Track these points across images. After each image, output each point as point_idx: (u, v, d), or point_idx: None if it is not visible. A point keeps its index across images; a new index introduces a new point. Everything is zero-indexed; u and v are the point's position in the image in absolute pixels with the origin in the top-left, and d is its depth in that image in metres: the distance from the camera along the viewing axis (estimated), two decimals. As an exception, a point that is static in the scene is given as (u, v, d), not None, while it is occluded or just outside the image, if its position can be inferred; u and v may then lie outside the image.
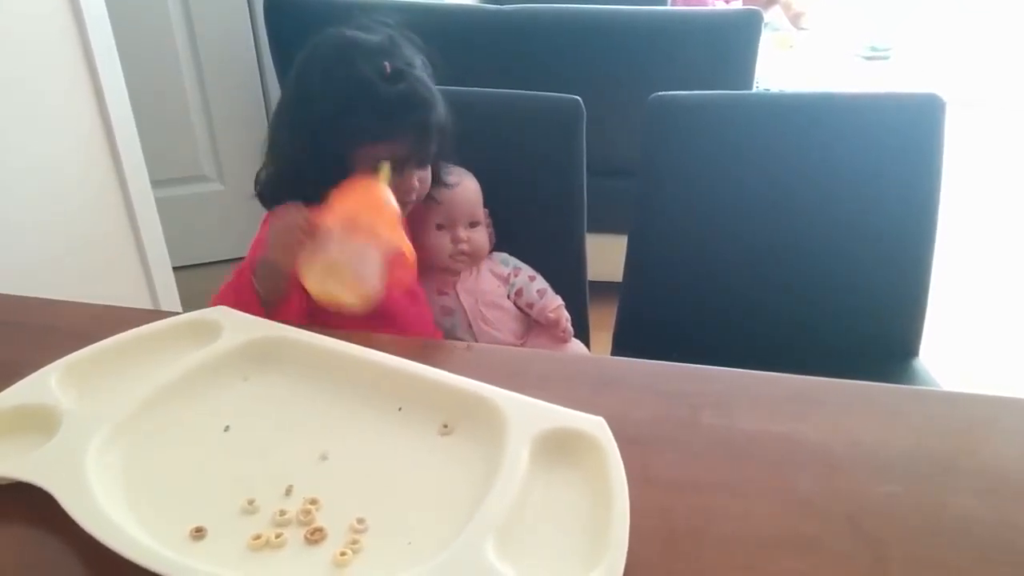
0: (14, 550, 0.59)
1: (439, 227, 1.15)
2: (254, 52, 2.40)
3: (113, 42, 1.57)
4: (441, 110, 1.00)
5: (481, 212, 1.17)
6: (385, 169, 0.93)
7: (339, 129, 0.96)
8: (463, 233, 1.15)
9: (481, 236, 1.17)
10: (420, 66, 1.00)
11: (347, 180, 0.92)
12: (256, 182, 1.06)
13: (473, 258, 1.17)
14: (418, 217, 1.12)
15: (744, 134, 1.22)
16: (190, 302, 1.86)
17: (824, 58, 4.44)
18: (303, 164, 0.99)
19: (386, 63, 0.95)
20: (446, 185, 1.12)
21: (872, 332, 1.29)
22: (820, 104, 1.27)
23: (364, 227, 0.86)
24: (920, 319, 1.29)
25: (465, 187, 1.15)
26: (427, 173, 1.05)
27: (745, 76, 2.00)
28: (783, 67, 4.05)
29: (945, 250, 1.30)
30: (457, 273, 1.18)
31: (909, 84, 4.25)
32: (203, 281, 2.23)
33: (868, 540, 0.59)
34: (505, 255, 1.22)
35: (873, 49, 4.77)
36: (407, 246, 0.89)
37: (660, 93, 1.20)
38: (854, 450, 0.68)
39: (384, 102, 0.95)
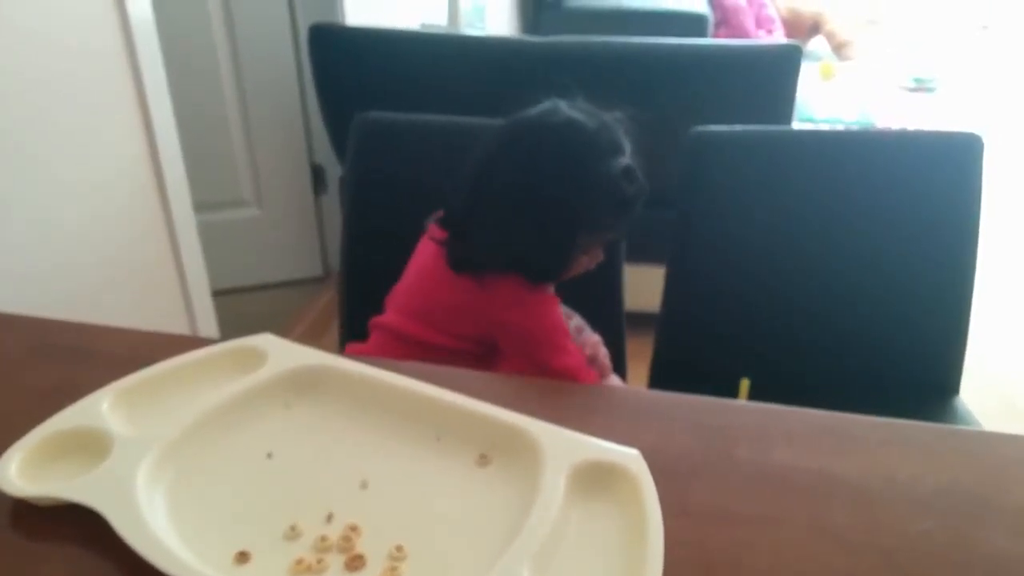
0: (67, 569, 0.61)
1: None
2: (296, 79, 2.45)
3: (162, 66, 1.61)
4: None
5: None
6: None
7: (578, 223, 1.01)
8: None
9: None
10: (630, 151, 1.04)
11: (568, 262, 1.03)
12: (454, 246, 1.05)
13: None
14: None
15: (782, 170, 1.23)
16: (227, 326, 1.90)
17: (867, 89, 4.42)
18: (533, 244, 1.01)
19: (623, 161, 1.01)
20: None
21: (912, 370, 1.28)
22: (859, 141, 1.28)
23: None
24: (960, 357, 1.28)
25: None
26: None
27: (784, 110, 1.99)
28: (825, 97, 4.05)
29: (986, 287, 1.29)
30: None
31: (954, 117, 4.22)
32: (240, 305, 2.29)
33: (902, 576, 0.59)
34: None
35: (917, 81, 4.74)
36: None
37: (699, 128, 1.22)
38: (889, 486, 0.69)
39: (625, 202, 1.01)
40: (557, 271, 1.05)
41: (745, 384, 1.16)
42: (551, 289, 1.08)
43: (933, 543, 0.63)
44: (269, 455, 0.71)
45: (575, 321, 1.20)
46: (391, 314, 1.11)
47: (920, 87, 4.70)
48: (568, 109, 1.02)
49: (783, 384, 1.04)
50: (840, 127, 3.60)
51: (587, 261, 1.08)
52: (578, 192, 0.99)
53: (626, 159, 1.01)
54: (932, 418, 0.98)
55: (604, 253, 1.11)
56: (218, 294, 2.00)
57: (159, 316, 1.69)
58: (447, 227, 1.06)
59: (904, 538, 0.63)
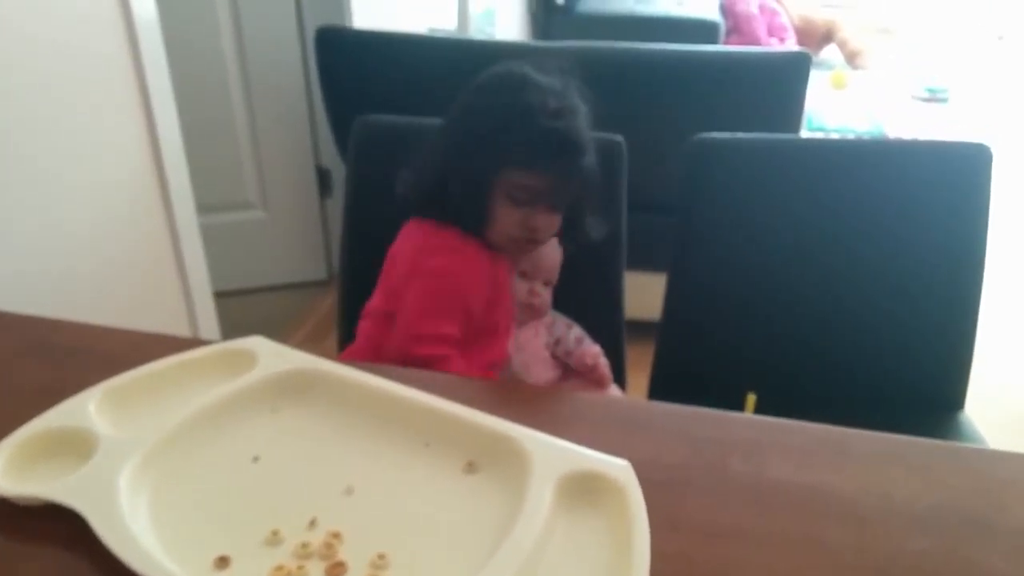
0: (49, 569, 0.60)
1: (522, 274, 1.15)
2: (303, 82, 2.45)
3: (167, 69, 1.61)
4: (590, 161, 1.03)
5: (556, 276, 1.18)
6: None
7: (488, 147, 1.00)
8: (539, 288, 1.15)
9: (549, 297, 1.18)
10: (583, 115, 1.03)
11: (486, 203, 1.01)
12: (399, 182, 1.09)
13: (536, 313, 1.17)
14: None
15: (786, 178, 1.22)
16: (229, 328, 1.90)
17: (879, 98, 4.40)
18: (447, 176, 1.03)
19: (551, 100, 0.99)
20: (588, 236, 1.14)
21: (916, 384, 1.27)
22: (864, 151, 1.26)
23: None
24: (966, 372, 1.26)
25: (554, 247, 1.16)
26: (558, 218, 1.06)
27: (792, 119, 1.98)
28: (837, 106, 4.03)
29: (993, 302, 1.27)
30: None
31: (967, 128, 4.19)
32: (242, 308, 2.29)
33: (896, 597, 0.58)
34: None
35: (930, 91, 4.71)
36: None
37: (701, 135, 1.21)
38: (884, 504, 0.67)
39: (538, 133, 0.98)
40: (471, 212, 1.03)
41: (751, 399, 1.15)
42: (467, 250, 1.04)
43: (928, 562, 0.61)
44: (255, 459, 0.70)
45: (575, 331, 1.19)
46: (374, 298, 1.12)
47: (933, 97, 4.68)
48: (533, 71, 1.03)
49: (785, 396, 1.03)
50: (851, 136, 3.58)
51: (512, 226, 1.03)
52: (494, 118, 1.00)
53: (564, 107, 1.00)
54: (936, 433, 0.97)
55: (558, 223, 1.07)
56: (222, 296, 2.00)
57: (161, 318, 1.69)
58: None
59: (898, 557, 0.62)
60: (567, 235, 1.11)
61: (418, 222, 1.08)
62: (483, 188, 1.02)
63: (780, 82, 1.98)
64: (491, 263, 1.06)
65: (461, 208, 1.03)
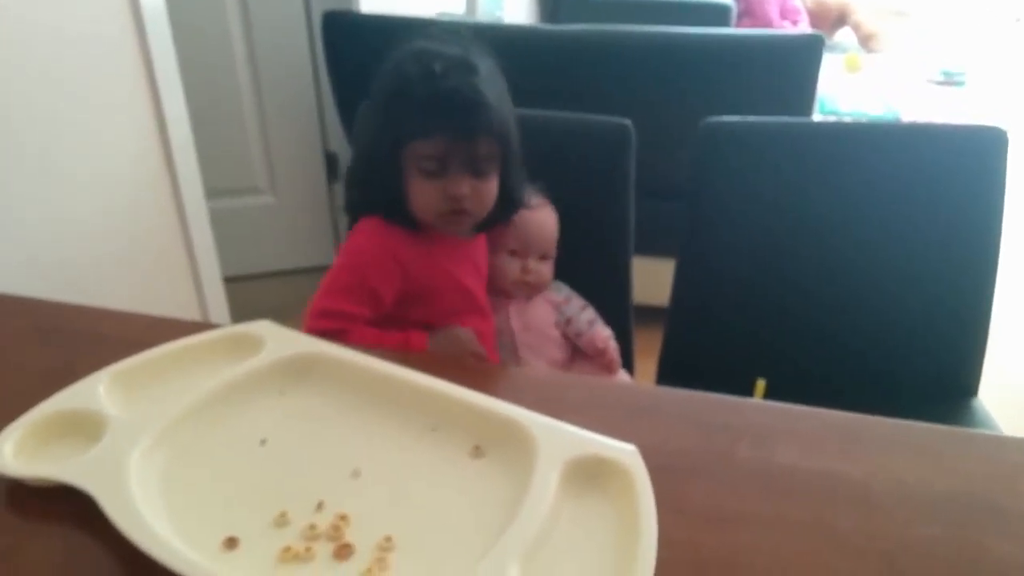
0: (57, 549, 0.60)
1: (512, 252, 1.14)
2: (311, 67, 2.45)
3: (173, 54, 1.61)
4: (495, 117, 0.97)
5: (554, 246, 1.16)
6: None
7: (385, 126, 0.99)
8: (532, 264, 1.14)
9: (548, 270, 1.17)
10: (485, 75, 0.98)
11: (400, 183, 1.00)
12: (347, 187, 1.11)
13: (534, 289, 1.17)
14: (495, 238, 1.13)
15: (798, 162, 1.21)
16: (238, 313, 1.91)
17: (894, 82, 4.35)
18: (365, 165, 1.05)
19: (437, 63, 0.95)
20: (525, 207, 1.11)
21: (929, 369, 1.26)
22: (878, 134, 1.25)
23: None
24: (980, 357, 1.25)
25: (545, 219, 1.15)
26: (486, 185, 1.01)
27: (805, 102, 1.97)
28: (850, 90, 3.98)
29: (1008, 287, 1.26)
30: (512, 296, 1.18)
31: (983, 112, 4.13)
32: (252, 293, 2.29)
33: (904, 583, 0.57)
34: (558, 283, 1.21)
35: (946, 74, 4.64)
36: None
37: (711, 119, 1.20)
38: (895, 489, 0.67)
39: (427, 96, 0.95)
40: (387, 196, 1.01)
41: (761, 385, 1.14)
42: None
43: (939, 549, 0.61)
44: (263, 442, 0.71)
45: (588, 313, 1.18)
46: None
47: (949, 80, 4.61)
48: (429, 44, 1.00)
49: (795, 382, 1.02)
50: (864, 121, 3.55)
51: (433, 200, 0.99)
52: (385, 94, 1.00)
53: (454, 67, 0.96)
54: (949, 419, 0.96)
55: (494, 191, 1.03)
56: (231, 281, 2.00)
57: (171, 303, 1.70)
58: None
59: (909, 543, 0.61)
60: (500, 204, 1.05)
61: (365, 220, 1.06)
62: (392, 169, 0.99)
63: (792, 65, 1.96)
64: (421, 247, 1.04)
65: (378, 196, 1.03)
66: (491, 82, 0.99)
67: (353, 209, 1.08)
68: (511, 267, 1.14)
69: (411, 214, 1.02)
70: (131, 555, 0.56)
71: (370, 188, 1.04)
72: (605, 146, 1.19)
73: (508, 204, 1.07)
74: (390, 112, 0.99)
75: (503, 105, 1.00)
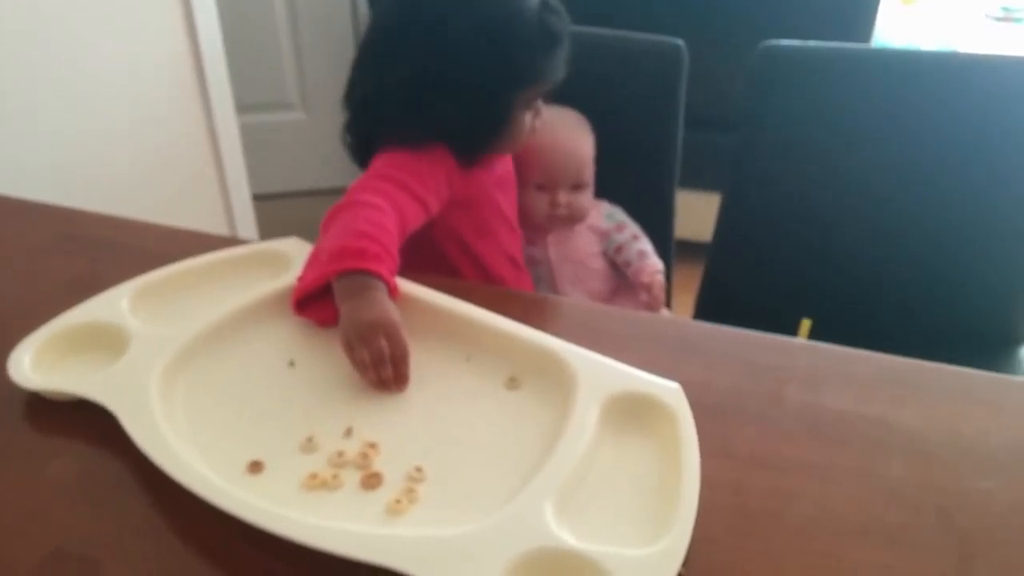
0: (76, 464, 0.59)
1: (539, 187, 1.06)
2: (347, -22, 2.36)
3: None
4: None
5: (589, 173, 1.07)
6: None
7: (508, 74, 0.87)
8: (563, 197, 1.06)
9: (584, 199, 1.08)
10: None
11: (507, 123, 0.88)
12: (348, 132, 0.95)
13: (571, 221, 1.09)
14: (521, 173, 1.05)
15: (859, 93, 1.13)
16: (267, 231, 1.88)
17: (951, 16, 4.16)
18: (461, 113, 0.88)
19: None
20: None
21: (977, 316, 1.21)
22: (944, 64, 1.16)
23: None
24: (1031, 305, 1.20)
25: (574, 145, 1.06)
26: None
27: (864, 29, 1.87)
28: (905, 24, 3.81)
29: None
30: (550, 230, 1.11)
31: (1041, 50, 3.95)
32: (281, 210, 2.26)
33: (957, 537, 0.54)
34: (612, 208, 1.14)
35: (1006, 10, 4.42)
36: None
37: (769, 42, 1.12)
38: (951, 439, 0.63)
39: (551, 35, 0.87)
40: (494, 138, 0.91)
41: (806, 325, 1.10)
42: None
43: (995, 503, 0.57)
44: (291, 363, 0.68)
45: (641, 244, 1.12)
46: None
47: (1008, 16, 4.39)
48: None
49: (838, 325, 0.98)
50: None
51: (525, 132, 0.93)
52: (498, 42, 0.85)
53: None
54: (997, 368, 0.92)
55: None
56: (260, 199, 1.98)
57: (198, 217, 1.68)
58: (352, 116, 0.93)
59: (963, 496, 0.58)
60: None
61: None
62: (513, 113, 0.90)
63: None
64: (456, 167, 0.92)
65: (483, 138, 0.91)
66: None
67: (380, 137, 0.90)
68: (539, 203, 1.06)
69: (487, 149, 0.93)
70: (151, 475, 0.55)
71: (467, 127, 0.88)
72: (655, 68, 1.12)
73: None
74: (505, 53, 0.86)
75: None
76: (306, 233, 0.86)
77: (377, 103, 0.88)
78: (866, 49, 1.47)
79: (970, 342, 1.17)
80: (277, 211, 2.21)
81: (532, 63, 0.88)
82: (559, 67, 0.90)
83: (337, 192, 0.85)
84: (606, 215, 1.14)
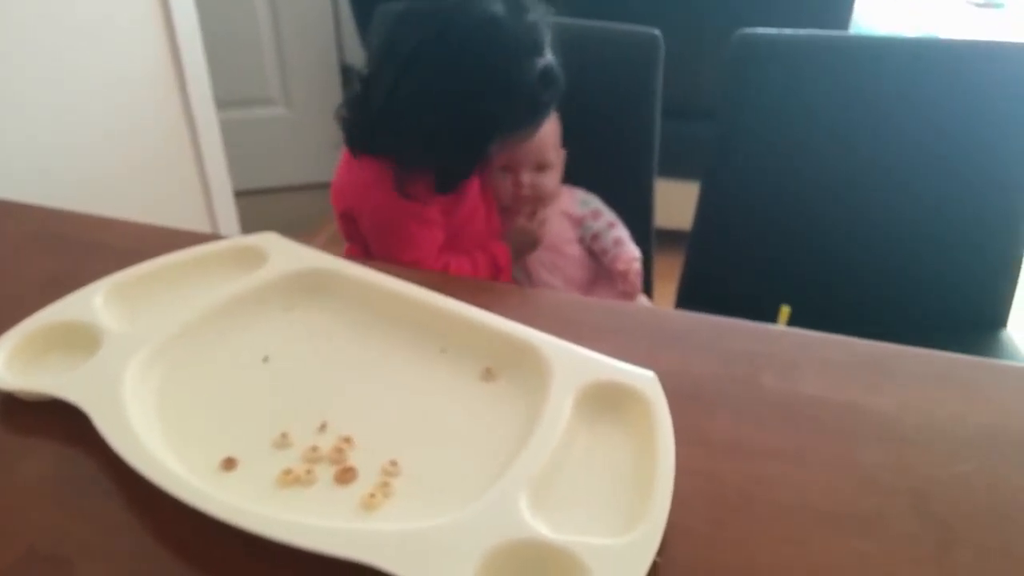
0: (49, 464, 0.58)
1: (503, 168, 1.07)
2: (327, -25, 2.35)
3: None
4: None
5: (554, 154, 1.09)
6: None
7: (493, 125, 0.96)
8: (526, 178, 1.07)
9: (550, 180, 1.09)
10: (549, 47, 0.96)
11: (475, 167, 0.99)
12: (343, 120, 1.06)
13: (537, 203, 1.10)
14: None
15: (836, 80, 1.13)
16: (249, 227, 1.87)
17: (931, 3, 4.16)
18: (445, 143, 0.95)
19: (542, 63, 0.94)
20: None
21: (958, 300, 1.22)
22: (921, 50, 1.17)
23: None
24: (1012, 287, 1.21)
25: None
26: None
27: (841, 16, 1.87)
28: (884, 9, 3.81)
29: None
30: (518, 212, 1.12)
31: (1022, 36, 3.96)
32: (263, 207, 2.25)
33: (933, 522, 0.54)
34: (587, 195, 1.15)
35: (985, -5, 4.45)
36: None
37: (746, 30, 1.12)
38: (926, 424, 0.63)
39: (538, 107, 0.97)
40: (464, 175, 1.00)
41: (785, 311, 1.10)
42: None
43: (970, 487, 0.58)
44: (265, 359, 0.68)
45: (617, 232, 1.12)
46: None
47: (988, 3, 4.41)
48: (489, 2, 0.94)
49: (819, 311, 0.98)
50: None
51: (508, 185, 1.06)
52: (496, 97, 0.93)
53: (545, 60, 0.95)
54: (978, 351, 0.92)
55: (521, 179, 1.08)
56: (242, 195, 1.96)
57: (180, 214, 1.67)
58: (353, 106, 1.04)
59: (938, 481, 0.58)
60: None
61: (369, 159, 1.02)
62: (484, 156, 0.99)
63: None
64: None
65: (456, 172, 0.99)
66: (543, 25, 0.98)
67: (373, 151, 1.02)
68: (504, 184, 1.08)
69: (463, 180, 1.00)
70: (125, 474, 0.54)
71: (446, 157, 0.97)
72: (631, 58, 1.12)
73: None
74: (502, 110, 0.95)
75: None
76: (288, 229, 0.85)
77: (383, 108, 0.98)
78: (843, 36, 1.47)
79: (951, 326, 1.18)
80: (259, 207, 2.20)
81: (513, 125, 0.97)
82: (533, 128, 1.01)
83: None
84: (580, 201, 1.14)
